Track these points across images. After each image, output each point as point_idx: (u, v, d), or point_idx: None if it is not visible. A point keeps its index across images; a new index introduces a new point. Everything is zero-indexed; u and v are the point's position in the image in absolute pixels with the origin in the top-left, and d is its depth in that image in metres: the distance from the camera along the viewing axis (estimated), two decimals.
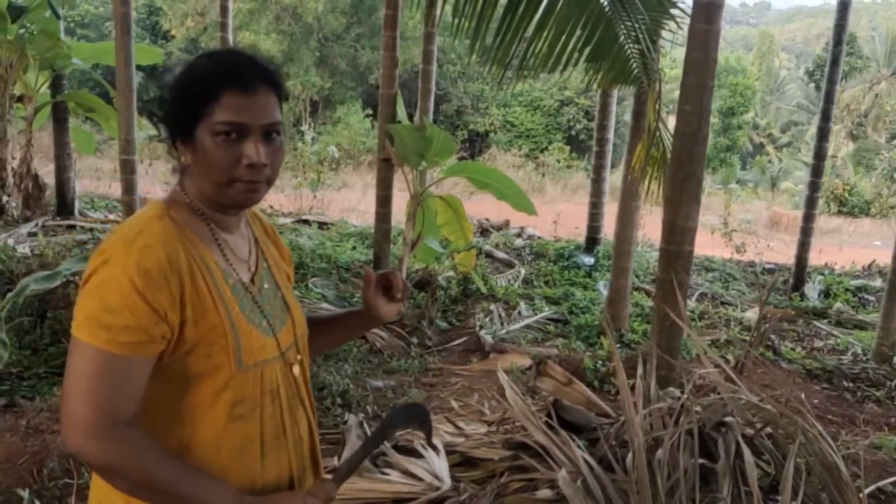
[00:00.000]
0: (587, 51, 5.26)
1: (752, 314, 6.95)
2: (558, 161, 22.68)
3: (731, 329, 6.31)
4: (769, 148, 34.46)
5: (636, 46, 5.26)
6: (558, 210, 11.64)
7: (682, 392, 2.61)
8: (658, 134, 5.39)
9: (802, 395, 4.38)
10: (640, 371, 2.65)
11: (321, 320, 1.53)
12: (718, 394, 2.72)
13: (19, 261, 5.77)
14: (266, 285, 1.31)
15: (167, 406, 1.18)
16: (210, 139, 1.16)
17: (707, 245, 10.45)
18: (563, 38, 5.07)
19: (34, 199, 8.66)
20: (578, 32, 5.10)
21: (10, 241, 6.92)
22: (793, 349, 5.97)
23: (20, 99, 8.63)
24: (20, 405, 3.70)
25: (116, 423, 1.09)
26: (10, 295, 4.44)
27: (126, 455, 1.10)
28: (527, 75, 5.31)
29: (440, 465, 2.57)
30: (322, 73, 23.43)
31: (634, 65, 5.43)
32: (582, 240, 9.26)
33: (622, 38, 5.25)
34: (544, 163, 22.34)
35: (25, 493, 2.92)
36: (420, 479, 2.55)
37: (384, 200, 6.36)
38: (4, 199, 8.37)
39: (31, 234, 7.76)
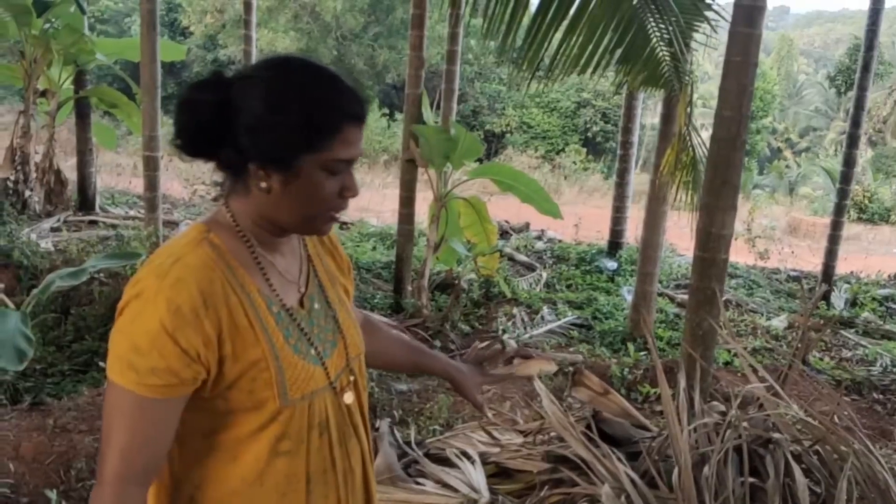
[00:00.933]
0: (618, 53, 5.18)
1: (778, 322, 6.84)
2: (574, 163, 22.56)
3: (758, 337, 6.22)
4: (787, 153, 34.15)
5: (668, 49, 5.18)
6: (575, 212, 11.53)
7: (728, 405, 2.53)
8: (688, 139, 5.31)
9: (829, 408, 4.30)
10: (682, 384, 2.57)
11: (408, 346, 1.58)
12: (761, 407, 2.65)
13: (43, 256, 5.76)
14: (316, 305, 1.23)
15: (209, 437, 1.13)
16: (320, 173, 1.09)
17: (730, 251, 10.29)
18: (595, 40, 5.00)
19: (56, 194, 8.67)
20: (610, 34, 5.02)
21: (33, 236, 6.92)
22: (821, 359, 5.87)
23: (43, 94, 8.63)
24: (47, 403, 3.67)
25: (133, 478, 1.07)
26: (34, 291, 4.42)
27: None
28: (556, 78, 5.24)
29: (477, 476, 2.51)
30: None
31: (665, 68, 5.35)
32: (603, 243, 9.17)
33: (654, 40, 5.17)
34: (560, 164, 22.21)
35: (53, 494, 2.89)
36: (456, 491, 2.49)
37: (407, 201, 6.30)
38: (27, 193, 8.38)
39: (54, 230, 7.76)
